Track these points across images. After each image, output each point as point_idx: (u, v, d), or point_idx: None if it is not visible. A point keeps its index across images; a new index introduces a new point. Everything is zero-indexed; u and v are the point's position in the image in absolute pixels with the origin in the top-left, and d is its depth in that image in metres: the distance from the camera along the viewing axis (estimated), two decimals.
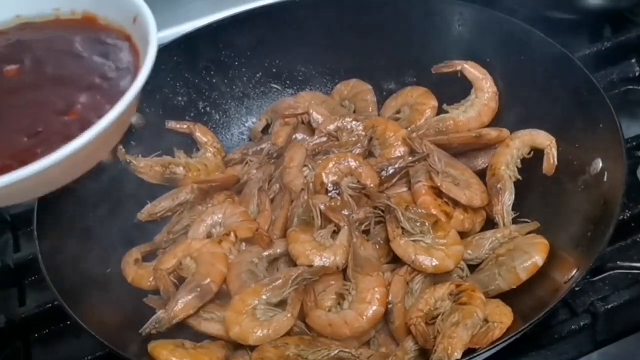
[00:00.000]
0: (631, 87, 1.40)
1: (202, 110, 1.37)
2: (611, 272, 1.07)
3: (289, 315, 1.02)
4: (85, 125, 0.68)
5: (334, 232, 1.10)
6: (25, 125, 0.71)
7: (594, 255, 0.95)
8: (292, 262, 1.09)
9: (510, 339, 0.91)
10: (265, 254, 1.13)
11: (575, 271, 0.96)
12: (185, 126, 1.33)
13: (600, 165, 1.06)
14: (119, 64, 0.75)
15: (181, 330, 1.06)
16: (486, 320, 0.98)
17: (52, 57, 0.78)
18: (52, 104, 0.73)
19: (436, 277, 1.08)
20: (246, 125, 1.41)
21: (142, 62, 0.72)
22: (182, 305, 1.05)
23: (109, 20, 0.78)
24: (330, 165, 1.18)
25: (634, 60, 1.43)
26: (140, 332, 1.04)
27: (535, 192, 1.18)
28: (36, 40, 0.79)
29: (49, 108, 0.72)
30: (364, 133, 1.26)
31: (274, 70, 1.41)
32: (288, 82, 1.42)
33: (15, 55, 0.79)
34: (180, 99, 1.35)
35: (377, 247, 1.10)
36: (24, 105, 0.74)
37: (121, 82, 0.73)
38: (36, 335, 1.19)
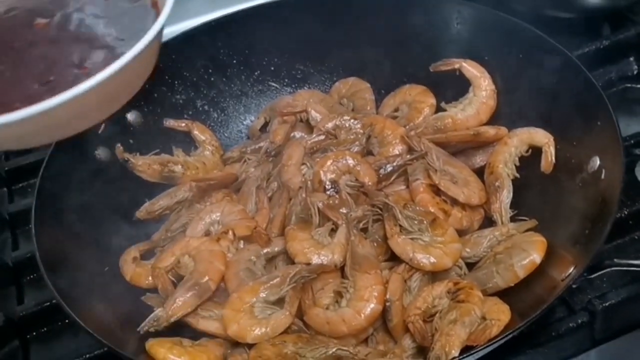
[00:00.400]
0: (629, 85, 1.40)
1: (200, 108, 1.37)
2: (608, 269, 1.07)
3: (287, 313, 1.02)
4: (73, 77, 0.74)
5: (332, 230, 1.10)
6: (38, 73, 0.76)
7: (591, 253, 0.95)
8: (290, 260, 1.09)
9: (507, 336, 0.91)
10: (263, 251, 1.13)
11: (572, 268, 0.96)
12: (183, 124, 1.33)
13: (598, 163, 1.06)
14: (137, 27, 0.79)
15: (179, 328, 1.06)
16: (484, 318, 0.98)
17: (78, 15, 0.82)
18: (66, 57, 0.77)
19: (434, 275, 1.08)
20: (244, 123, 1.41)
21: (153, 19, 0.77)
22: (180, 303, 1.06)
23: None
24: (328, 163, 1.18)
25: (632, 59, 1.43)
26: (138, 330, 1.04)
27: (533, 190, 1.18)
28: None
29: (63, 60, 0.77)
30: (362, 131, 1.26)
31: (272, 69, 1.41)
32: (286, 80, 1.42)
33: (49, 9, 0.83)
34: (178, 96, 1.35)
35: (375, 244, 1.10)
36: (41, 56, 0.78)
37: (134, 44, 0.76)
38: (34, 334, 1.19)
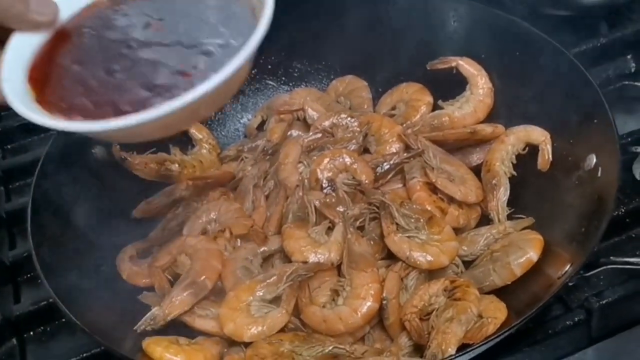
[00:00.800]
0: (627, 82, 1.39)
1: None
2: (604, 267, 1.06)
3: (284, 312, 1.02)
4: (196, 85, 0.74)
5: (329, 228, 1.10)
6: (147, 77, 0.77)
7: (588, 251, 0.95)
8: (287, 259, 1.09)
9: (503, 334, 0.91)
10: (260, 250, 1.13)
11: (568, 266, 0.96)
12: None
13: (594, 160, 1.06)
14: (236, 34, 0.80)
15: (176, 327, 1.06)
16: (480, 316, 0.98)
17: (186, 18, 0.84)
18: (173, 62, 0.78)
19: (431, 273, 1.08)
20: (241, 121, 1.41)
21: (252, 35, 0.77)
22: (176, 301, 1.05)
23: None
24: (325, 161, 1.18)
25: (629, 56, 1.43)
26: (134, 328, 1.04)
27: (530, 187, 1.18)
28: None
29: (170, 66, 0.78)
30: (359, 129, 1.26)
31: (269, 67, 1.41)
32: (283, 78, 1.42)
33: (160, 10, 0.85)
34: None
35: (372, 243, 1.10)
36: (151, 59, 0.79)
37: (232, 51, 0.77)
38: (31, 333, 1.18)
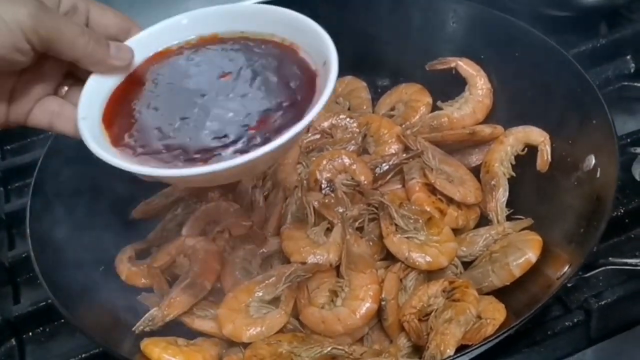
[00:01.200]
0: (626, 83, 1.39)
1: None
2: (603, 268, 1.06)
3: (282, 312, 1.02)
4: (263, 141, 0.78)
5: (328, 229, 1.10)
6: (216, 127, 0.81)
7: (586, 252, 0.95)
8: (286, 259, 1.09)
9: (502, 335, 0.91)
10: (259, 251, 1.13)
11: (567, 267, 0.95)
12: None
13: (593, 161, 1.06)
14: (301, 95, 0.83)
15: (174, 328, 1.06)
16: (479, 317, 0.98)
17: (257, 71, 0.87)
18: (243, 115, 0.82)
19: (430, 274, 1.08)
20: None
21: (315, 101, 0.81)
22: (175, 302, 1.05)
23: (307, 55, 0.86)
24: (324, 162, 1.18)
25: (629, 57, 1.43)
26: (133, 329, 1.04)
27: (529, 188, 1.18)
28: (252, 52, 0.89)
29: (239, 118, 0.81)
30: (358, 130, 1.26)
31: None
32: None
33: (233, 61, 0.88)
34: None
35: (371, 244, 1.10)
36: (221, 110, 0.83)
37: (296, 111, 0.81)
38: (30, 333, 1.18)
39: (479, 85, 1.27)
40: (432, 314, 1.00)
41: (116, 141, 0.82)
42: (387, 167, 1.19)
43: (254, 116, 0.81)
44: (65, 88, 0.86)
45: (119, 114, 0.84)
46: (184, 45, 0.91)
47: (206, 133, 0.81)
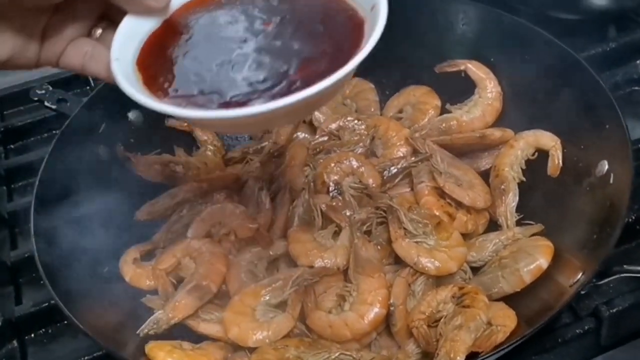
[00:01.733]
0: (636, 87, 1.38)
1: None
2: (618, 276, 1.05)
3: (289, 317, 1.01)
4: (303, 86, 0.74)
5: (335, 232, 1.09)
6: (254, 72, 0.78)
7: (600, 259, 0.94)
8: (292, 262, 1.08)
9: (514, 343, 0.90)
10: (265, 254, 1.12)
11: (580, 274, 0.94)
12: (185, 123, 1.32)
13: (606, 167, 1.05)
14: (347, 42, 0.79)
15: (179, 331, 1.05)
16: (489, 323, 0.96)
17: (301, 20, 0.84)
18: (284, 61, 0.79)
19: (438, 279, 1.06)
20: None
21: (362, 46, 0.77)
22: (180, 305, 1.04)
23: (354, 2, 0.83)
24: (332, 164, 1.16)
25: (638, 61, 1.42)
26: (137, 332, 1.03)
27: (539, 193, 1.16)
28: (296, 1, 0.86)
29: (280, 63, 0.79)
30: (365, 132, 1.25)
31: None
32: None
33: (275, 10, 0.85)
34: None
35: (379, 248, 1.09)
36: (260, 57, 0.80)
37: (341, 58, 0.77)
38: (32, 335, 1.17)
39: (489, 88, 1.26)
40: (442, 320, 0.99)
41: (150, 84, 0.79)
42: (396, 170, 1.18)
43: (295, 62, 0.79)
44: (99, 30, 0.83)
45: (153, 58, 0.82)
46: None
47: (244, 77, 0.78)
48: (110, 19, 0.83)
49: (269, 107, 0.72)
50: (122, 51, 0.80)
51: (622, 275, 1.05)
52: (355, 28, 0.81)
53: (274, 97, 0.74)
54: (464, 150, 1.23)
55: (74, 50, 0.81)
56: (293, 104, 0.72)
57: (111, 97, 1.19)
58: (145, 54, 0.82)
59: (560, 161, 1.15)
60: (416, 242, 1.06)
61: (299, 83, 0.76)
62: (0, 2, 0.71)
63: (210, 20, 0.86)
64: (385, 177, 1.17)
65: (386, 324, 1.03)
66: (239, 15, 0.86)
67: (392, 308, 1.01)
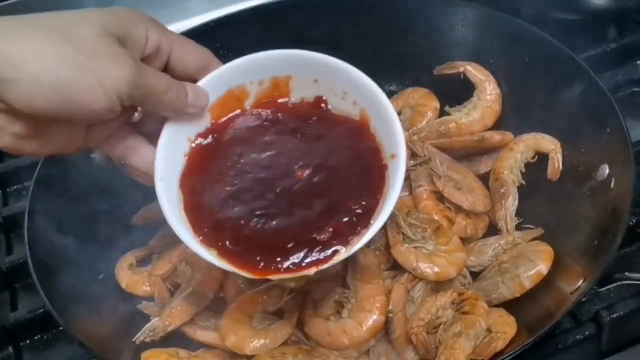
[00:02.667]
0: (636, 88, 1.37)
1: None
2: (619, 283, 1.04)
3: (287, 324, 1.00)
4: (327, 248, 0.80)
5: None
6: (286, 232, 0.81)
7: (602, 265, 0.93)
8: None
9: (515, 352, 0.89)
10: None
11: (581, 281, 0.93)
12: None
13: (607, 171, 1.04)
14: (370, 196, 0.83)
15: (176, 339, 1.04)
16: (489, 330, 0.95)
17: (331, 170, 0.85)
18: (309, 220, 0.82)
19: (438, 285, 1.05)
20: None
21: (381, 205, 0.81)
22: (177, 312, 1.03)
23: (379, 141, 0.86)
24: None
25: (639, 62, 1.41)
26: (133, 340, 1.02)
27: (539, 197, 1.15)
28: (327, 139, 0.88)
29: (307, 224, 0.81)
30: None
31: None
32: None
33: (309, 156, 0.86)
34: None
35: (377, 253, 1.07)
36: (295, 209, 0.83)
37: (365, 216, 0.81)
38: (27, 341, 1.16)
39: (488, 91, 1.25)
40: (441, 326, 0.98)
41: (190, 214, 0.84)
42: None
43: (323, 224, 0.81)
44: (136, 115, 0.87)
45: (195, 186, 0.84)
46: (258, 101, 0.91)
47: (277, 235, 0.81)
48: None
49: (295, 275, 0.79)
50: (166, 167, 0.82)
51: (624, 282, 1.04)
52: (378, 173, 0.84)
53: (317, 265, 0.80)
54: (462, 153, 1.22)
55: (117, 139, 0.85)
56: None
57: None
58: (188, 177, 0.85)
59: (561, 165, 1.14)
60: (415, 247, 1.05)
61: (328, 250, 0.80)
62: (55, 117, 0.73)
63: (248, 149, 0.87)
64: None
65: (385, 331, 1.02)
66: (275, 150, 0.87)
67: (390, 315, 1.00)
